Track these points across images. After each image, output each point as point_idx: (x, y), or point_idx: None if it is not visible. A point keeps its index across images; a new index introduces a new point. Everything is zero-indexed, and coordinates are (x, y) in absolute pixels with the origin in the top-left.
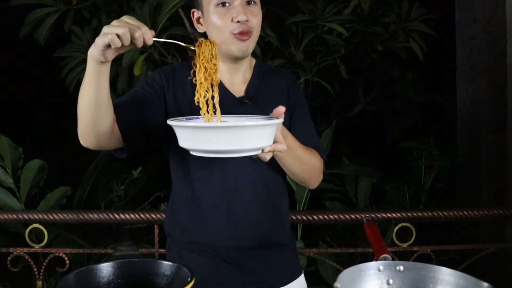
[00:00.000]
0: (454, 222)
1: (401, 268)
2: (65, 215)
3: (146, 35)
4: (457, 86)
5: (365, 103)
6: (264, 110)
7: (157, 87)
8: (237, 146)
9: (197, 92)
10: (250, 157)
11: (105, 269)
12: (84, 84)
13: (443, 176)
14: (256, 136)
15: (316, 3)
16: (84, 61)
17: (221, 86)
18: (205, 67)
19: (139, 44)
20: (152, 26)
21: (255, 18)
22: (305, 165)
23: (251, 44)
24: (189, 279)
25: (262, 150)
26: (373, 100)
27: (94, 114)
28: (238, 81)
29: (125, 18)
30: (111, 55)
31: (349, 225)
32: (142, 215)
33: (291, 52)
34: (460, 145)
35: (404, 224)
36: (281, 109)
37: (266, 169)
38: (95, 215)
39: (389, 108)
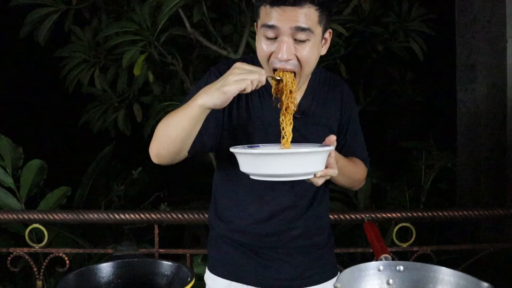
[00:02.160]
0: (454, 222)
1: (401, 268)
2: (65, 215)
3: (263, 77)
4: (457, 86)
5: (365, 103)
6: (314, 123)
7: None
8: (292, 171)
9: (282, 114)
10: None
11: (105, 269)
12: (183, 121)
13: (443, 176)
14: (310, 161)
15: None
16: (84, 61)
17: (273, 95)
18: (290, 91)
19: (258, 86)
20: (152, 26)
21: (303, 55)
22: (352, 179)
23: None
24: (189, 279)
25: (315, 175)
26: (373, 100)
27: (183, 145)
28: None
29: (243, 65)
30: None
31: (349, 225)
32: (142, 215)
33: None
34: (460, 145)
35: (404, 224)
36: (332, 137)
37: None
38: (95, 215)
39: (389, 108)
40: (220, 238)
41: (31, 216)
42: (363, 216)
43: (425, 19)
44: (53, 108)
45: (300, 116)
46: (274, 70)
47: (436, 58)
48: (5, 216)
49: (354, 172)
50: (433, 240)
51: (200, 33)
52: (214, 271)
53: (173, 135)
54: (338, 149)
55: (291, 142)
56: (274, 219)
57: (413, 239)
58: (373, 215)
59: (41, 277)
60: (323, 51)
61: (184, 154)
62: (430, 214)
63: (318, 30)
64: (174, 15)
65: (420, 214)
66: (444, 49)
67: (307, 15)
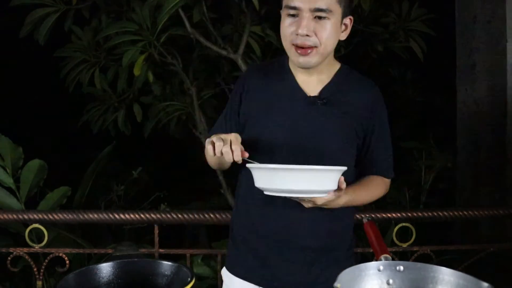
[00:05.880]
0: (454, 222)
1: (401, 268)
2: (65, 215)
3: (235, 152)
4: (457, 86)
5: None
6: (334, 111)
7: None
8: (307, 187)
9: None
10: None
11: (105, 269)
12: (208, 154)
13: (443, 176)
14: (326, 179)
15: None
16: (84, 61)
17: (293, 82)
18: None
19: (228, 159)
20: (152, 26)
21: (322, 33)
22: (368, 201)
23: (313, 59)
24: (189, 279)
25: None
26: None
27: (219, 166)
28: (312, 80)
29: (219, 136)
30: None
31: None
32: (142, 215)
33: None
34: (460, 145)
35: (404, 224)
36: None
37: None
38: (95, 215)
39: (389, 108)
40: (237, 238)
41: (31, 216)
42: (363, 216)
43: (425, 19)
44: (53, 108)
45: (320, 102)
46: (296, 46)
47: (436, 58)
48: (5, 216)
49: (370, 197)
50: (433, 240)
51: (200, 33)
52: (231, 270)
53: (210, 162)
54: (361, 155)
55: (311, 129)
56: (296, 222)
57: (413, 239)
58: (373, 215)
59: (41, 277)
60: (343, 36)
61: (229, 164)
62: (430, 214)
63: (338, 10)
64: (174, 15)
65: (420, 214)
66: (444, 49)
67: None
